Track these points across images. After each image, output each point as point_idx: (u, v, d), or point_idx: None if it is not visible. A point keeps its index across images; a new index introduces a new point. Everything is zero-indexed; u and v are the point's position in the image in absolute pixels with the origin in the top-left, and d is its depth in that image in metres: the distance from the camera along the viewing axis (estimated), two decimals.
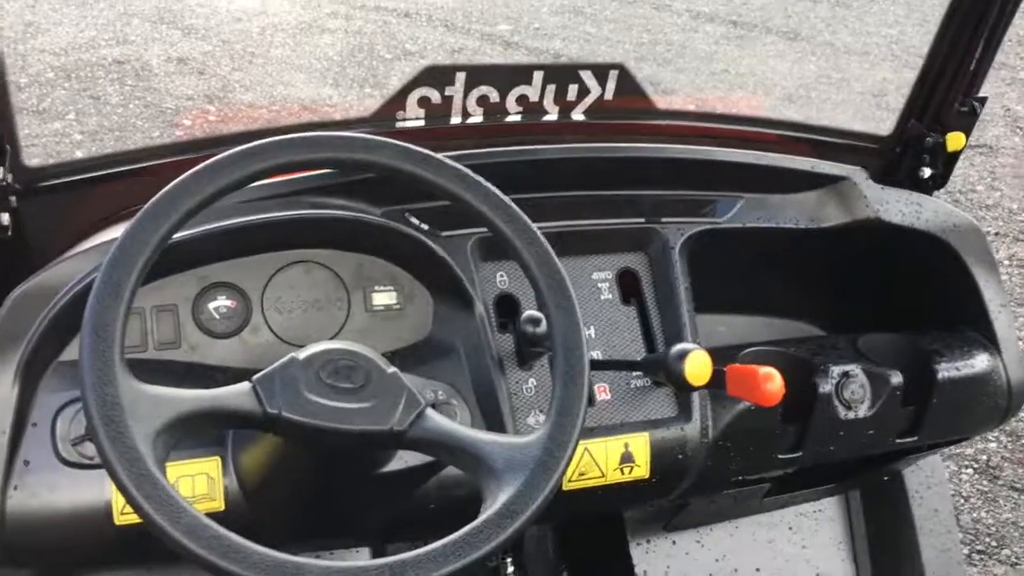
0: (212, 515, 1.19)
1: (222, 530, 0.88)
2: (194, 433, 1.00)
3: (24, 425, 1.18)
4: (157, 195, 0.99)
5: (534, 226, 1.12)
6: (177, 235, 1.25)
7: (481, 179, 1.12)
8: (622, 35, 6.83)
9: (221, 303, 1.33)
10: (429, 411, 1.05)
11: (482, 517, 0.97)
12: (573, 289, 1.12)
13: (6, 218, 1.29)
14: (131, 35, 6.48)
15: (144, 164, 1.40)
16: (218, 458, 1.21)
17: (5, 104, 1.27)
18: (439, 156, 1.11)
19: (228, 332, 1.32)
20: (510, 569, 1.96)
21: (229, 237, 1.29)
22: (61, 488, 1.16)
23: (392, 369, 1.06)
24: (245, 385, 1.01)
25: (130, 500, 0.88)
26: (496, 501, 0.99)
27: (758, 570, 1.95)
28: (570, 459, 1.03)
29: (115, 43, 6.36)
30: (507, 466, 1.01)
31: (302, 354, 1.04)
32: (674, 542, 1.93)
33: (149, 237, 0.97)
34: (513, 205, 1.12)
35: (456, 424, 1.06)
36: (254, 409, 0.99)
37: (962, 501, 3.08)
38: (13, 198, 1.29)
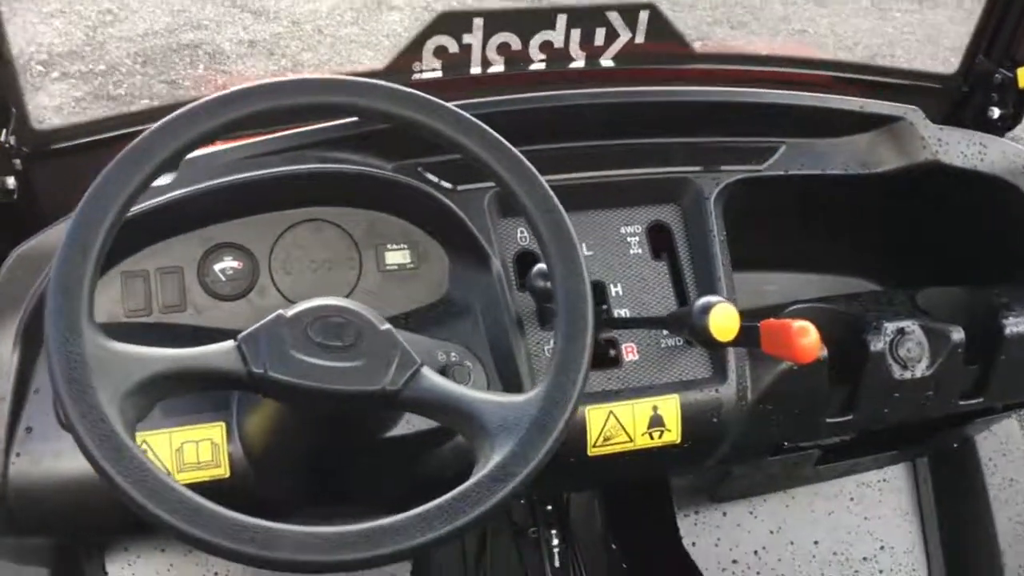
0: (218, 482, 1.16)
1: (189, 493, 0.84)
2: (174, 394, 0.96)
3: (26, 391, 1.16)
4: (127, 147, 0.94)
5: (532, 166, 1.04)
6: (179, 192, 1.22)
7: (475, 119, 1.04)
8: None
9: (227, 264, 1.28)
10: (425, 370, 0.99)
11: (471, 480, 0.90)
12: (575, 234, 1.03)
13: (11, 181, 1.28)
14: (204, 20, 6.57)
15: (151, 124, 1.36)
16: (223, 423, 1.17)
17: (9, 68, 1.25)
18: (429, 97, 1.03)
19: (235, 294, 1.28)
20: (556, 541, 1.90)
21: (234, 195, 1.25)
22: (65, 455, 1.14)
23: (386, 326, 1.00)
24: (229, 343, 0.96)
25: (92, 463, 0.84)
26: (488, 463, 0.92)
27: (816, 543, 1.84)
28: (569, 419, 0.96)
29: (189, 28, 6.46)
30: (501, 426, 0.94)
31: (290, 311, 0.99)
32: (724, 513, 1.84)
33: (119, 190, 0.92)
34: (506, 143, 1.04)
35: (452, 383, 0.99)
36: (238, 369, 0.94)
37: None
38: (18, 161, 1.27)
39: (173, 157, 0.95)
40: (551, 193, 1.04)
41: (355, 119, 1.25)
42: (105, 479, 0.84)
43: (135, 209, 1.19)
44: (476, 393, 0.98)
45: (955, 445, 1.78)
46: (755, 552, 1.84)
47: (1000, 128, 1.59)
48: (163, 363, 0.92)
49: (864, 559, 1.85)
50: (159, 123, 0.95)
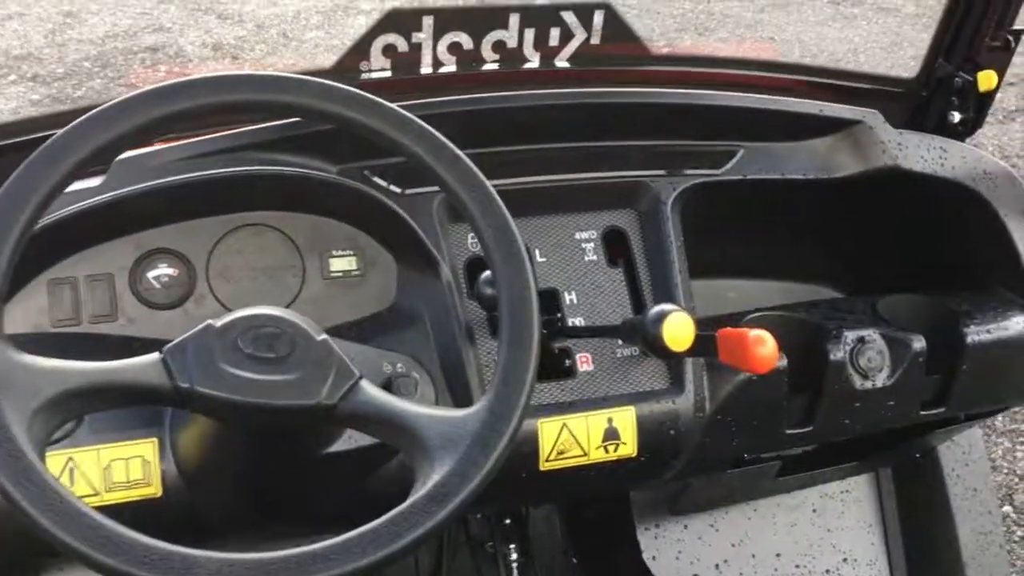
0: (149, 502, 1.10)
1: (101, 519, 0.78)
2: (92, 410, 0.91)
3: None
4: (40, 147, 0.89)
5: (475, 168, 0.99)
6: (109, 194, 1.16)
7: (416, 119, 0.99)
8: (660, 5, 6.63)
9: (162, 271, 1.22)
10: (364, 383, 0.94)
11: (408, 501, 0.85)
12: (520, 238, 0.99)
13: None
14: (167, 22, 6.48)
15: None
16: (155, 440, 1.11)
17: None
18: (368, 95, 0.98)
19: (170, 303, 1.22)
20: (514, 556, 1.85)
21: (169, 198, 1.19)
22: None
23: (322, 336, 0.95)
24: (153, 356, 0.90)
25: None
26: (426, 483, 0.87)
27: (778, 555, 1.81)
28: (513, 434, 0.91)
29: (151, 31, 6.36)
30: (441, 443, 0.89)
31: (220, 321, 0.93)
32: (686, 526, 1.80)
33: (29, 194, 0.86)
34: (449, 143, 0.99)
35: (392, 397, 0.94)
36: (162, 383, 0.89)
37: (1017, 480, 2.89)
38: None
39: (91, 158, 0.90)
40: (495, 196, 0.99)
41: (298, 119, 1.20)
42: (11, 503, 0.78)
43: (62, 213, 1.13)
44: (416, 407, 0.93)
45: (917, 455, 1.75)
46: (716, 566, 1.80)
47: (961, 133, 1.56)
48: (79, 378, 0.86)
49: (827, 571, 1.82)
50: (74, 122, 0.89)
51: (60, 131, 0.89)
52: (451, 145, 1.00)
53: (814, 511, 1.84)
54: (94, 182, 1.17)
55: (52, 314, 1.18)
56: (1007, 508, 2.73)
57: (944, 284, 1.48)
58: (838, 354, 1.32)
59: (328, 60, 1.56)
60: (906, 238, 1.55)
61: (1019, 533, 2.70)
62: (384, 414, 0.92)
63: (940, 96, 1.56)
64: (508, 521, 1.87)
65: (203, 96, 0.94)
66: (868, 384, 1.34)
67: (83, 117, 0.90)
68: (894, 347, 1.34)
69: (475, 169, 1.00)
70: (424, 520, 0.84)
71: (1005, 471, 2.93)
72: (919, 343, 1.34)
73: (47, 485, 0.78)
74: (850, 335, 1.34)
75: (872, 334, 1.34)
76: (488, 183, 1.00)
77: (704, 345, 1.12)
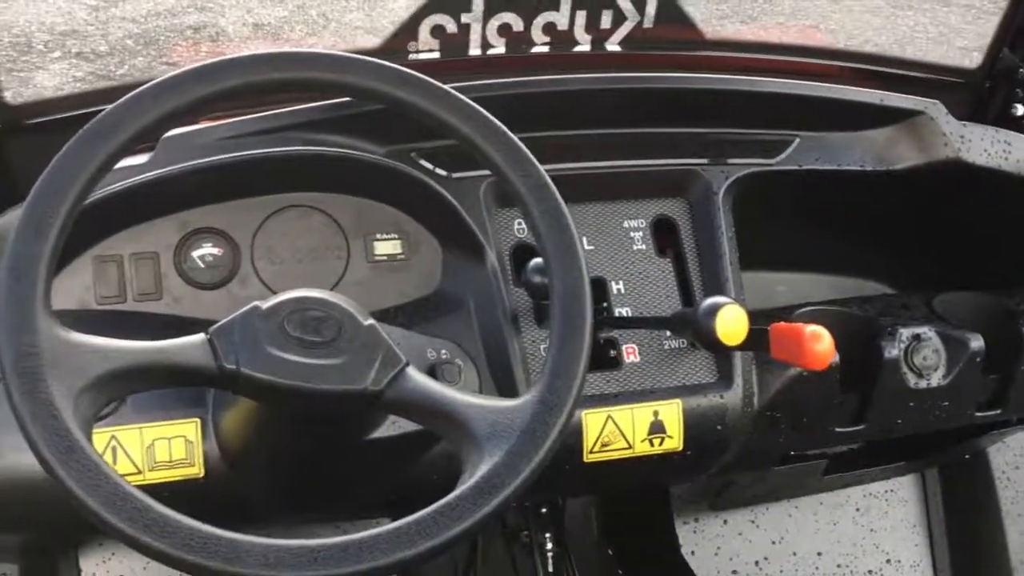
0: (191, 482, 1.09)
1: (147, 500, 0.77)
2: (138, 389, 0.89)
3: None
4: (93, 120, 0.87)
5: (529, 153, 0.97)
6: (155, 172, 1.15)
7: (470, 101, 0.97)
8: None
9: (207, 251, 1.21)
10: (410, 370, 0.92)
11: (456, 492, 0.83)
12: (574, 226, 0.96)
13: None
14: (209, 2, 6.50)
15: None
16: (197, 420, 1.10)
17: None
18: (420, 75, 0.96)
19: (214, 283, 1.21)
20: (549, 546, 1.84)
21: (214, 177, 1.17)
22: (27, 449, 1.07)
23: (370, 321, 0.93)
24: (199, 336, 0.89)
25: (42, 462, 0.77)
26: (475, 474, 0.85)
27: (820, 555, 1.77)
28: (564, 427, 0.89)
29: (193, 10, 6.39)
30: (490, 433, 0.87)
31: (266, 303, 0.92)
32: (725, 521, 1.77)
33: (80, 167, 0.85)
34: (503, 127, 0.97)
35: (439, 385, 0.92)
36: (208, 364, 0.87)
37: None
38: None
39: (142, 134, 0.88)
40: (549, 181, 0.97)
41: (345, 99, 1.18)
42: (56, 481, 0.77)
43: (108, 190, 1.12)
44: (464, 396, 0.91)
45: (967, 457, 1.71)
46: (756, 563, 1.77)
47: None
48: (126, 357, 0.85)
49: (869, 572, 1.78)
50: (126, 96, 0.88)
51: (110, 106, 0.88)
52: (505, 128, 0.97)
53: (857, 510, 1.80)
54: (141, 159, 1.16)
55: (97, 291, 1.18)
56: None
57: (1002, 282, 1.44)
58: (892, 351, 1.29)
59: (371, 41, 1.54)
60: (964, 233, 1.50)
61: None
62: (431, 402, 0.90)
63: (1003, 87, 1.51)
64: (544, 510, 1.85)
65: (252, 74, 0.93)
66: (923, 383, 1.30)
67: (134, 92, 0.89)
68: (951, 346, 1.30)
69: (529, 154, 0.97)
70: (473, 512, 0.82)
71: None
72: (977, 342, 1.30)
73: (94, 465, 0.77)
74: (905, 332, 1.30)
75: (928, 332, 1.30)
76: (542, 168, 0.97)
77: (757, 339, 1.09)
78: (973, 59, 1.57)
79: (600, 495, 1.87)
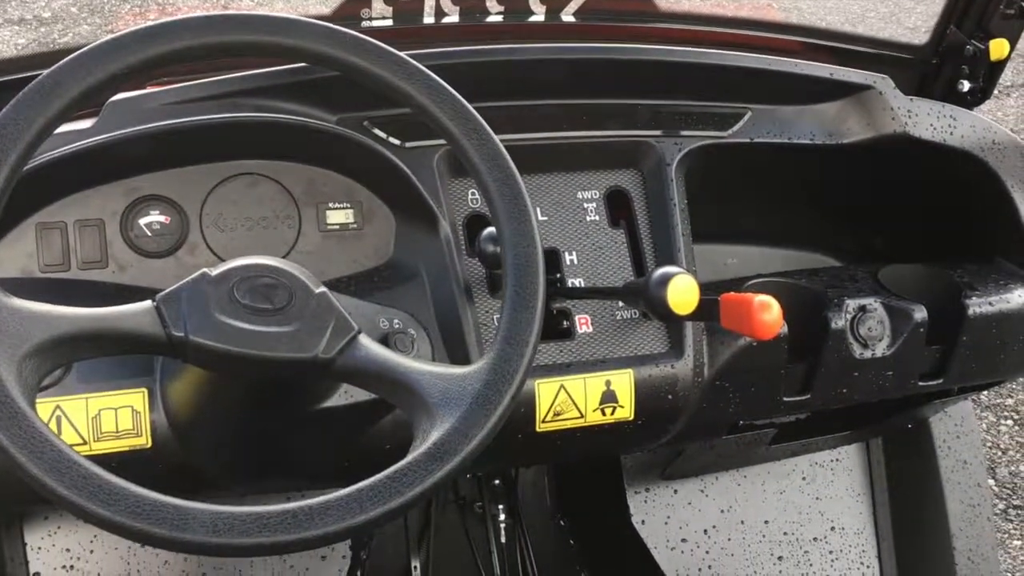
0: (138, 453, 1.08)
1: (92, 467, 0.76)
2: (83, 357, 0.88)
3: None
4: (35, 80, 0.85)
5: (483, 120, 0.96)
6: (101, 137, 1.12)
7: (422, 67, 0.96)
8: None
9: (154, 218, 1.19)
10: (362, 338, 0.91)
11: (407, 458, 0.83)
12: (527, 195, 0.96)
13: None
14: None
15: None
16: (145, 389, 1.08)
17: None
18: (373, 40, 0.95)
19: (162, 251, 1.19)
20: (502, 516, 1.85)
21: (162, 143, 1.15)
22: None
23: (321, 289, 0.92)
24: (146, 304, 0.87)
25: None
26: (426, 440, 0.85)
27: (767, 522, 1.81)
28: (515, 394, 0.89)
29: None
30: (442, 400, 0.87)
31: (215, 270, 0.91)
32: (675, 491, 1.79)
33: (19, 132, 0.83)
34: (456, 94, 0.96)
35: (391, 353, 0.92)
36: (156, 331, 0.86)
37: (1000, 454, 2.91)
38: None
39: (83, 97, 0.86)
40: (503, 150, 0.96)
41: (297, 65, 1.16)
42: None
43: (52, 155, 1.10)
44: (416, 364, 0.91)
45: (909, 426, 1.75)
46: (705, 531, 1.80)
47: (970, 102, 1.54)
48: (71, 323, 0.83)
49: (814, 539, 1.82)
50: (67, 59, 0.86)
51: (50, 69, 0.86)
52: (459, 97, 0.97)
53: (804, 479, 1.83)
54: (85, 124, 1.13)
55: (41, 259, 1.15)
56: (990, 482, 2.75)
57: (946, 255, 1.47)
58: (839, 322, 1.31)
59: (323, 9, 1.52)
60: (909, 207, 1.53)
61: (1000, 506, 2.73)
62: (383, 370, 0.90)
63: (950, 64, 1.54)
64: (497, 482, 1.86)
65: (199, 36, 0.91)
66: (868, 353, 1.32)
67: (76, 53, 0.87)
68: (895, 316, 1.33)
69: (483, 122, 0.97)
70: (424, 477, 0.82)
71: (989, 444, 2.95)
72: (920, 313, 1.32)
73: (37, 432, 0.75)
74: (851, 303, 1.32)
75: (874, 303, 1.33)
76: (496, 138, 0.97)
77: (707, 309, 1.10)
78: (921, 37, 1.59)
79: (553, 465, 1.88)
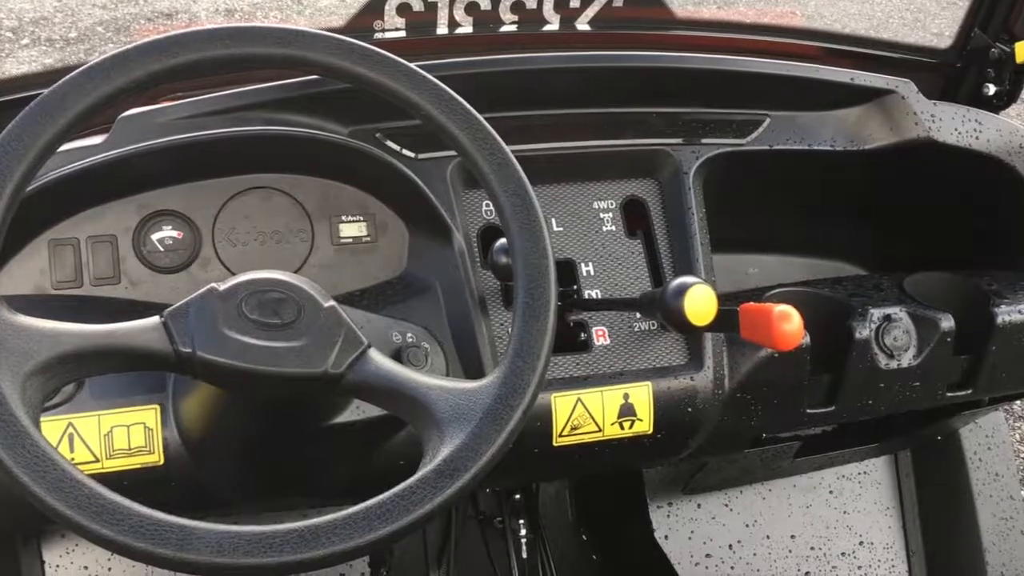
0: (150, 470, 1.07)
1: (96, 487, 0.74)
2: (90, 374, 0.87)
3: None
4: (41, 95, 0.84)
5: (493, 131, 0.95)
6: (112, 153, 1.12)
7: (433, 78, 0.95)
8: None
9: (166, 234, 1.19)
10: (372, 352, 0.90)
11: (417, 476, 0.82)
12: (539, 205, 0.94)
13: None
14: None
15: None
16: (157, 406, 1.07)
17: None
18: (383, 52, 0.94)
19: (174, 266, 1.19)
20: (523, 531, 1.83)
21: (173, 158, 1.15)
22: None
23: (330, 302, 0.91)
24: (153, 319, 0.86)
25: None
26: (436, 457, 0.83)
27: (793, 537, 1.77)
28: (527, 408, 0.87)
29: None
30: (452, 416, 0.85)
31: (223, 284, 0.90)
32: (699, 505, 1.76)
33: (25, 147, 0.82)
34: (466, 104, 0.95)
35: (401, 367, 0.90)
36: (163, 348, 0.85)
37: None
38: None
39: (90, 112, 0.85)
40: (513, 160, 0.95)
41: (308, 78, 1.15)
42: (2, 469, 0.75)
43: (64, 171, 1.09)
44: (426, 379, 0.90)
45: (939, 438, 1.71)
46: (730, 546, 1.77)
47: (995, 105, 1.51)
48: (76, 340, 0.82)
49: (842, 554, 1.78)
50: (72, 74, 0.85)
51: (55, 84, 0.85)
52: (469, 107, 0.95)
53: (830, 493, 1.80)
54: (96, 140, 1.13)
55: (53, 275, 1.15)
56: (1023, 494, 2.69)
57: (971, 262, 1.43)
58: (863, 332, 1.28)
59: (336, 21, 1.52)
60: (934, 213, 1.49)
61: None
62: (393, 385, 0.89)
63: (975, 67, 1.51)
64: (518, 496, 1.84)
65: (208, 48, 0.90)
66: (893, 364, 1.29)
67: (79, 69, 0.86)
68: (921, 326, 1.30)
69: (494, 133, 0.95)
70: (433, 495, 0.80)
71: (1022, 456, 2.89)
72: (947, 322, 1.29)
73: (40, 451, 0.74)
74: (876, 313, 1.29)
75: (899, 312, 1.30)
76: (507, 148, 0.95)
77: (726, 320, 1.08)
78: (945, 42, 1.56)
79: (572, 480, 1.86)
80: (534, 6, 1.36)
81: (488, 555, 1.84)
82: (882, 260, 1.59)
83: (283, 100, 1.17)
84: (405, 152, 1.20)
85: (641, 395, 1.20)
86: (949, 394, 1.36)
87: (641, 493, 1.73)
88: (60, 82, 0.85)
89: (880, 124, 1.36)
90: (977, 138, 1.37)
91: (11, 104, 1.27)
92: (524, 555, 1.81)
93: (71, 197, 1.13)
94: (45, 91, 0.85)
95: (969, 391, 1.36)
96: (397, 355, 1.10)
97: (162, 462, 1.07)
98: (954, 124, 1.37)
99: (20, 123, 0.83)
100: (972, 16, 1.49)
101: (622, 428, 1.20)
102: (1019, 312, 1.33)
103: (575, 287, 1.25)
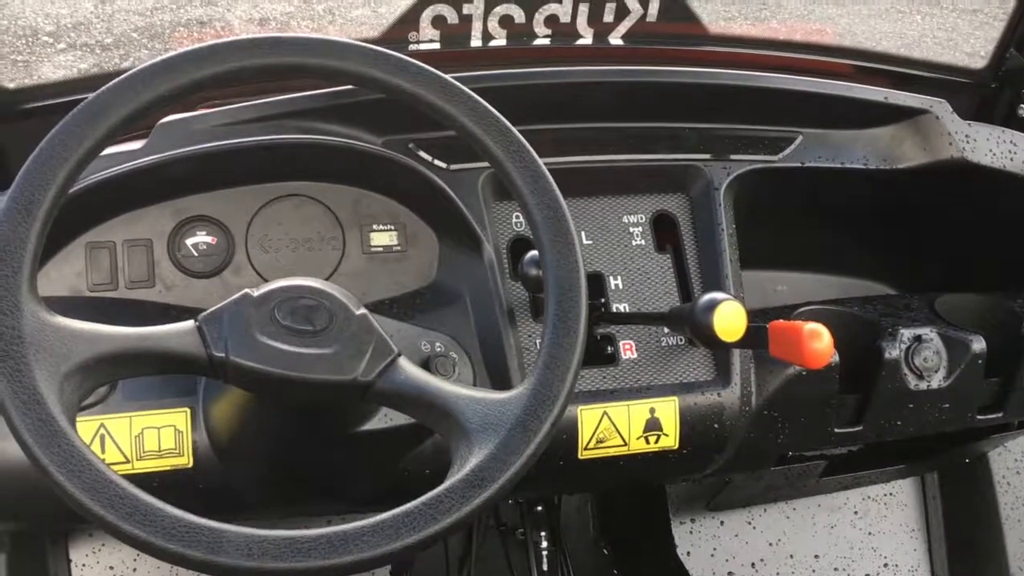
0: (179, 472, 1.08)
1: (129, 487, 0.75)
2: (125, 376, 0.88)
3: None
4: (86, 100, 0.86)
5: (526, 143, 0.95)
6: (150, 158, 1.14)
7: (466, 89, 0.95)
8: None
9: (200, 239, 1.20)
10: (402, 361, 0.90)
11: (444, 485, 0.82)
12: (571, 218, 0.94)
13: None
14: None
15: None
16: (188, 409, 1.09)
17: None
18: (417, 62, 0.95)
19: (208, 271, 1.20)
20: (544, 544, 1.82)
21: (209, 164, 1.16)
22: (11, 437, 1.06)
23: (361, 310, 0.92)
24: (188, 324, 0.88)
25: (24, 448, 0.76)
26: (464, 467, 0.83)
27: (817, 557, 1.76)
28: (555, 420, 0.87)
29: (199, 3, 6.37)
30: (480, 426, 0.86)
31: (257, 291, 0.91)
32: (722, 522, 1.75)
33: (69, 150, 0.84)
34: (500, 116, 0.95)
35: (431, 376, 0.91)
36: (197, 352, 0.86)
37: None
38: None
39: (132, 117, 0.87)
40: (545, 172, 0.95)
41: (343, 88, 1.17)
42: (38, 468, 0.76)
43: (102, 175, 1.11)
44: (456, 388, 0.90)
45: (967, 461, 1.69)
46: (752, 564, 1.75)
47: None
48: (112, 342, 0.83)
49: None
50: (116, 80, 0.86)
51: (99, 90, 0.87)
52: (503, 119, 0.96)
53: (855, 513, 1.78)
54: (135, 145, 1.14)
55: (89, 278, 1.17)
56: None
57: (1005, 284, 1.42)
58: (893, 352, 1.27)
59: (371, 32, 1.53)
60: (967, 234, 1.48)
61: None
62: (422, 393, 0.89)
63: (1010, 88, 1.50)
64: (540, 508, 1.84)
65: (247, 58, 0.91)
66: (923, 385, 1.28)
67: (124, 76, 0.87)
68: (952, 347, 1.29)
69: (526, 144, 0.96)
70: (461, 505, 0.81)
71: None
72: (979, 344, 1.28)
73: (76, 451, 0.75)
74: (906, 333, 1.28)
75: (929, 333, 1.29)
76: (540, 160, 0.96)
77: (755, 336, 1.08)
78: (979, 62, 1.55)
79: (596, 493, 1.85)
80: (568, 20, 1.37)
81: (509, 566, 1.83)
82: (912, 280, 1.58)
83: (318, 109, 1.19)
84: (437, 163, 1.20)
85: (667, 410, 1.20)
86: (979, 417, 1.35)
87: (664, 508, 1.73)
88: (104, 88, 0.87)
89: (914, 144, 1.36)
90: (1012, 159, 1.36)
91: (52, 108, 1.29)
92: (545, 567, 1.81)
93: (109, 201, 1.15)
94: (89, 96, 0.87)
95: (999, 414, 1.35)
96: (425, 364, 1.11)
97: (191, 464, 1.08)
98: (988, 145, 1.36)
99: (64, 127, 0.84)
100: (1008, 36, 1.48)
101: (648, 443, 1.20)
102: None
103: (603, 300, 1.25)
